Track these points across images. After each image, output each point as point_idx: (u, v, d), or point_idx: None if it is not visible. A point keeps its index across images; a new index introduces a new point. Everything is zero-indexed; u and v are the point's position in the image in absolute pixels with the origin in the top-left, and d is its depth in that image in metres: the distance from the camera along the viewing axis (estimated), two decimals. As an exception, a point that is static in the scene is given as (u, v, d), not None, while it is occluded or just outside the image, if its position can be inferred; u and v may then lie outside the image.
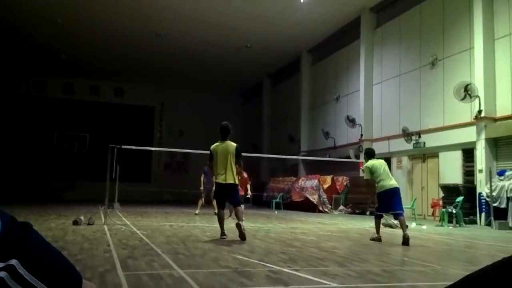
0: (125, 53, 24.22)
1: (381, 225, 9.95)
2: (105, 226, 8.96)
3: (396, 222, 10.04)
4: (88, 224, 9.15)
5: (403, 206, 8.15)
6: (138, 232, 8.21)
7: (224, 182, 7.39)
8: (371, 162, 8.07)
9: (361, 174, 18.25)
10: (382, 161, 8.19)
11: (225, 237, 7.44)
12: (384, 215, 8.59)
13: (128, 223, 10.11)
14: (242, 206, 12.68)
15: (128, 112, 30.48)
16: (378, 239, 7.79)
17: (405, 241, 7.23)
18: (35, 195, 23.94)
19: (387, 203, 7.77)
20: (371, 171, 7.91)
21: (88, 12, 19.09)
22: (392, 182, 7.81)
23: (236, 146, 7.55)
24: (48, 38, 22.08)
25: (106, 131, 27.93)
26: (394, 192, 7.73)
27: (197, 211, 13.84)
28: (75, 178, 27.62)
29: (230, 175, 7.40)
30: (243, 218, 12.04)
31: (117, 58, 25.08)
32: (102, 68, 27.03)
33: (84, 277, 0.92)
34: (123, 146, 10.15)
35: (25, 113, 28.19)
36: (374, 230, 8.15)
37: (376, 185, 7.87)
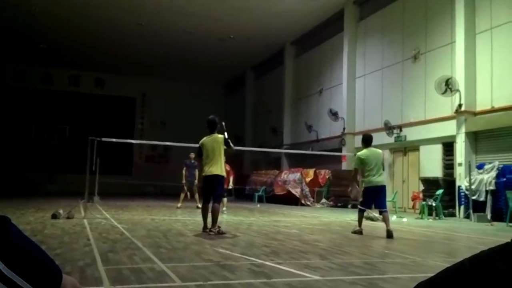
0: (106, 43, 23.84)
1: (367, 218, 10.11)
2: (85, 220, 8.83)
3: (379, 216, 10.15)
4: (68, 217, 9.01)
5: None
6: (119, 226, 8.11)
7: (210, 174, 7.33)
8: (365, 153, 7.73)
9: (344, 167, 18.43)
10: (378, 153, 7.83)
11: (207, 231, 7.36)
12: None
13: (108, 216, 9.99)
14: (225, 200, 12.73)
15: (109, 103, 30.06)
16: (359, 232, 7.80)
17: (389, 235, 7.26)
18: (13, 188, 23.47)
19: (372, 199, 7.76)
20: (363, 161, 7.66)
21: (67, 0, 18.68)
22: (380, 179, 7.65)
23: (224, 136, 7.53)
24: (26, 27, 21.58)
25: (86, 122, 27.53)
26: (380, 190, 7.67)
27: (179, 205, 13.76)
28: (54, 170, 27.20)
29: (217, 167, 7.32)
30: (224, 211, 12.10)
31: (97, 48, 24.67)
32: (82, 58, 26.56)
33: (64, 272, 0.89)
34: (103, 139, 9.98)
35: (3, 103, 27.55)
36: (356, 223, 8.18)
37: (364, 178, 7.73)
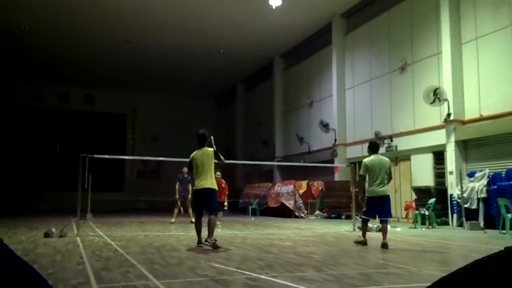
0: (95, 60, 23.84)
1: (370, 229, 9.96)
2: (78, 238, 8.74)
3: (374, 226, 10.17)
4: (60, 236, 8.91)
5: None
6: (112, 243, 8.04)
7: (200, 188, 7.38)
8: (370, 160, 7.62)
9: (336, 178, 18.48)
10: (384, 161, 7.64)
11: (201, 245, 7.33)
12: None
13: (101, 234, 9.90)
14: (221, 214, 12.70)
15: (100, 119, 29.96)
16: (363, 243, 7.62)
17: (384, 246, 7.27)
18: (3, 206, 23.17)
19: (376, 209, 7.66)
20: (368, 168, 7.55)
21: (56, 18, 18.72)
22: (383, 189, 7.53)
23: (214, 149, 7.60)
24: (16, 45, 21.56)
25: (77, 139, 27.40)
26: (383, 200, 7.57)
27: (172, 220, 13.68)
28: (46, 188, 26.93)
29: (207, 181, 7.37)
30: (219, 225, 12.07)
31: (87, 65, 24.66)
32: (72, 75, 26.52)
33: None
34: (94, 156, 9.93)
35: (-8, 122, 27.36)
36: (359, 233, 8.04)
37: (367, 187, 7.63)
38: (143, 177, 30.69)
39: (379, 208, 7.61)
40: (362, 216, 7.91)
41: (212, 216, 7.34)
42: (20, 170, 26.99)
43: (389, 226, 12.04)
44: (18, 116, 27.99)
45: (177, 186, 13.81)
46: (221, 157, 7.63)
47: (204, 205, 7.45)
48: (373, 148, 7.90)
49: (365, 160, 7.78)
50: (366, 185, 7.80)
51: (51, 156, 27.25)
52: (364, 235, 7.79)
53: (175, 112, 30.82)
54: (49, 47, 21.93)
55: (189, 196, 13.51)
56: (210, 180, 7.40)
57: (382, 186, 7.54)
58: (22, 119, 28.10)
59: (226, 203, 13.21)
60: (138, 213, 21.76)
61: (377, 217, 8.09)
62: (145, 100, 30.66)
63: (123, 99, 30.26)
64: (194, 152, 7.65)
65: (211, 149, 7.61)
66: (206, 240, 7.17)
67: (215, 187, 7.54)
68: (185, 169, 13.59)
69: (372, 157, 7.72)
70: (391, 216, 7.71)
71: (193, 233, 7.74)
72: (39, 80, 27.45)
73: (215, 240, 7.15)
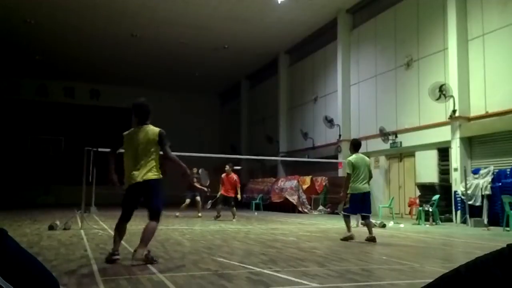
0: (101, 54, 23.88)
1: (360, 225, 10.13)
2: (82, 231, 8.80)
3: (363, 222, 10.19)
4: (64, 229, 8.97)
5: (382, 206, 8.26)
6: (116, 236, 8.06)
7: (134, 182, 5.41)
8: (354, 157, 7.87)
9: (340, 174, 18.46)
10: (365, 160, 7.95)
11: (116, 257, 5.09)
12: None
13: (105, 227, 9.95)
14: (234, 209, 12.91)
15: (104, 114, 30.01)
16: (350, 238, 7.75)
17: (372, 240, 7.48)
18: (9, 200, 23.34)
19: (357, 205, 7.82)
20: (354, 166, 7.77)
21: (62, 12, 18.74)
22: (366, 186, 7.79)
23: (160, 131, 5.57)
24: (22, 39, 21.61)
25: (82, 133, 27.47)
26: (365, 196, 7.81)
27: (177, 213, 13.78)
28: (50, 182, 27.06)
29: (144, 170, 5.41)
30: (234, 220, 12.29)
31: (92, 60, 24.71)
32: (77, 69, 26.59)
33: (61, 284, 0.90)
34: (99, 149, 9.97)
35: (-2, 115, 27.52)
36: (353, 229, 8.17)
37: (350, 184, 7.77)
38: (147, 171, 30.77)
39: (362, 204, 7.82)
40: (344, 213, 8.06)
41: (153, 222, 5.35)
42: (25, 164, 27.12)
43: (392, 222, 12.15)
44: (23, 110, 28.12)
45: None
46: (167, 146, 5.53)
47: (145, 203, 5.49)
48: (357, 146, 8.12)
49: (349, 158, 7.99)
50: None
51: (56, 150, 27.35)
52: (349, 229, 7.90)
53: (180, 108, 30.85)
54: (55, 41, 21.97)
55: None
56: (149, 170, 5.42)
57: (366, 183, 7.82)
58: (27, 113, 28.23)
59: (239, 196, 13.40)
60: (142, 207, 21.78)
61: (357, 213, 8.41)
62: (150, 95, 30.56)
63: (128, 94, 30.26)
64: (128, 131, 5.70)
65: (156, 129, 5.57)
66: (135, 251, 5.02)
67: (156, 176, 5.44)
68: (194, 170, 14.11)
69: (355, 155, 7.96)
70: (370, 212, 8.00)
71: (197, 227, 7.77)
72: (44, 74, 27.53)
73: (149, 251, 5.15)
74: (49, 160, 27.52)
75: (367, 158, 8.08)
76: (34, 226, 9.90)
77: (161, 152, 5.59)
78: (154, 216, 5.35)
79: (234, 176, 13.25)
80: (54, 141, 27.86)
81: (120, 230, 5.43)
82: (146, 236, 5.14)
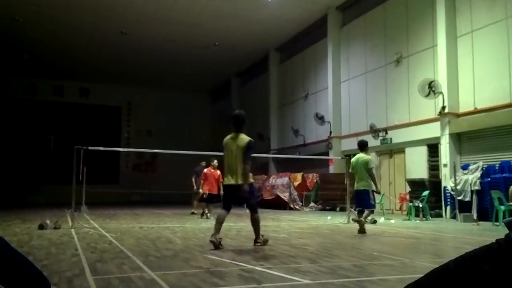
0: (90, 52, 23.69)
1: (351, 221, 10.29)
2: (73, 230, 8.74)
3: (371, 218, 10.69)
4: (55, 228, 8.91)
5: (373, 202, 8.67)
6: (107, 235, 8.04)
7: (229, 183, 6.38)
8: (353, 158, 8.65)
9: (331, 170, 18.54)
10: (361, 160, 8.49)
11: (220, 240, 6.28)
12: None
13: (96, 226, 9.90)
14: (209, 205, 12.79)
15: (94, 112, 29.85)
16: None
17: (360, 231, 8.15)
18: (-3, 199, 23.10)
19: (355, 201, 8.77)
20: (351, 165, 8.57)
21: (50, 10, 18.55)
22: (357, 185, 8.49)
23: (249, 141, 6.43)
24: (9, 37, 21.36)
25: (72, 132, 27.30)
26: (356, 194, 8.63)
27: (195, 211, 13.85)
28: (40, 181, 26.85)
29: (237, 174, 6.33)
30: (210, 217, 12.16)
31: (81, 57, 24.50)
32: (66, 67, 26.35)
33: (52, 283, 0.89)
34: (89, 148, 9.90)
35: (-14, 115, 27.21)
36: (343, 226, 8.29)
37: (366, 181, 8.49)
38: (138, 169, 30.67)
39: (356, 200, 8.81)
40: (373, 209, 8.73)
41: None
42: (14, 163, 26.88)
43: (383, 218, 12.26)
44: (11, 109, 27.82)
45: (193, 179, 14.32)
46: (248, 154, 6.37)
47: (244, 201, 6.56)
48: (361, 147, 8.88)
49: (370, 157, 8.79)
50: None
51: (46, 148, 27.15)
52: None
53: (170, 105, 30.78)
54: (43, 40, 21.75)
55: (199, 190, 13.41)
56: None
57: (358, 182, 8.60)
58: (16, 112, 27.94)
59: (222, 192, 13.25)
60: (133, 206, 21.75)
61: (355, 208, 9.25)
62: (140, 93, 30.56)
63: (118, 92, 30.15)
64: (227, 137, 6.62)
65: (246, 138, 6.43)
66: (256, 241, 6.42)
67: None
68: (203, 163, 13.91)
69: (357, 156, 8.77)
70: (362, 207, 8.75)
71: (189, 225, 7.75)
72: (33, 72, 27.26)
73: (262, 236, 6.44)
74: (38, 159, 27.31)
75: (364, 158, 8.58)
76: (24, 226, 9.82)
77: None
78: (253, 211, 6.46)
79: (218, 172, 13.10)
80: (44, 139, 27.66)
81: (222, 220, 6.41)
82: (256, 227, 6.41)
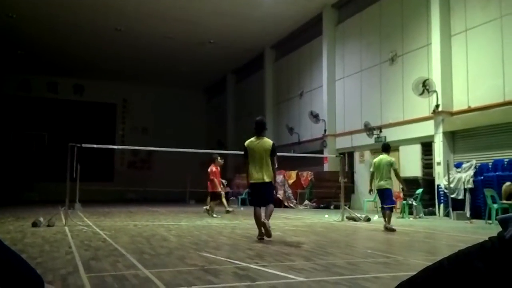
0: (84, 49, 23.56)
1: (349, 218, 10.50)
2: (66, 228, 8.71)
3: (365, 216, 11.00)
4: (48, 225, 8.88)
5: (367, 200, 8.75)
6: (101, 232, 8.02)
7: (255, 182, 7.12)
8: (376, 158, 9.08)
9: (326, 168, 18.58)
10: (385, 160, 8.82)
11: (262, 237, 6.98)
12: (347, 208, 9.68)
13: (90, 223, 9.87)
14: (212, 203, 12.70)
15: (89, 109, 29.71)
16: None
17: (388, 229, 8.41)
18: (-9, 196, 22.98)
19: (380, 198, 9.19)
20: (374, 165, 8.98)
21: (44, 6, 18.44)
22: (380, 183, 8.81)
23: (273, 143, 7.29)
24: (3, 33, 21.21)
25: (66, 129, 27.16)
26: (380, 192, 8.96)
27: (229, 209, 13.61)
28: (34, 178, 26.72)
29: (262, 173, 7.10)
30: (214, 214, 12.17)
31: (76, 54, 24.37)
32: (61, 64, 26.20)
33: (45, 281, 0.89)
34: (83, 145, 9.87)
35: (-21, 111, 27.01)
36: (338, 224, 8.35)
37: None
38: (133, 167, 30.59)
39: (380, 198, 9.27)
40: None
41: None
42: (8, 160, 26.72)
43: (376, 216, 12.29)
44: (5, 105, 27.62)
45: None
46: (275, 155, 7.19)
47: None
48: (383, 149, 9.30)
49: (393, 158, 9.28)
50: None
51: (40, 145, 27.00)
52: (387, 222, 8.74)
53: (166, 103, 30.67)
54: (37, 36, 21.62)
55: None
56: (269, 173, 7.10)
57: (380, 181, 8.96)
58: (10, 109, 27.75)
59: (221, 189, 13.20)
60: (128, 204, 21.71)
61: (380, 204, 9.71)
62: (135, 90, 30.45)
63: (113, 89, 30.01)
64: (251, 140, 7.30)
65: (270, 142, 7.28)
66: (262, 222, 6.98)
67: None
68: (221, 160, 13.23)
69: (380, 156, 9.16)
70: (388, 205, 9.02)
71: (184, 222, 7.75)
72: (26, 69, 27.09)
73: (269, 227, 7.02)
74: (32, 156, 27.16)
75: (388, 159, 8.95)
76: (18, 223, 9.77)
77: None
78: (269, 203, 7.17)
79: (216, 169, 13.07)
80: (38, 136, 27.50)
81: (260, 216, 6.97)
82: (269, 214, 7.03)
